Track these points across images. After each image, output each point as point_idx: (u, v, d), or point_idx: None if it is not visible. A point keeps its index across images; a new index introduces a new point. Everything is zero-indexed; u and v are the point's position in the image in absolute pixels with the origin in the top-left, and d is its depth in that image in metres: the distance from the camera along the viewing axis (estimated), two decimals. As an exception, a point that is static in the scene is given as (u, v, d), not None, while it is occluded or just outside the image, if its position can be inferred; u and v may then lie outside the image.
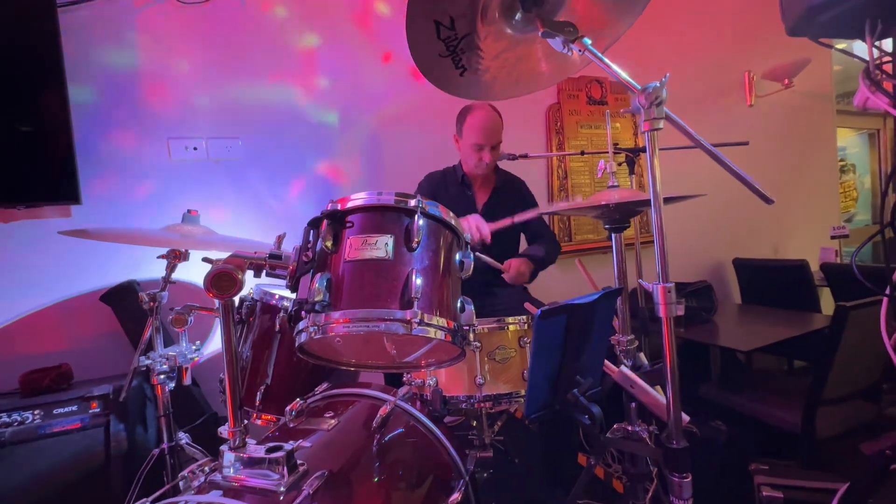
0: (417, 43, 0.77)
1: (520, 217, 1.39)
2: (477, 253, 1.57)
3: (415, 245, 0.73)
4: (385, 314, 0.68)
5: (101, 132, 1.73)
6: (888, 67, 0.97)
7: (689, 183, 2.89)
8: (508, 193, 1.90)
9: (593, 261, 2.64)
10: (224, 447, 0.75)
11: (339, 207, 0.77)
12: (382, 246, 0.72)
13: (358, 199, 0.79)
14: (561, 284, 2.18)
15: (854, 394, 1.78)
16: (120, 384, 1.40)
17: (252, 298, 1.37)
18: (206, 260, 1.21)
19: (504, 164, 1.94)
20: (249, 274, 0.79)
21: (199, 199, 1.86)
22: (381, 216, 0.77)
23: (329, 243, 0.75)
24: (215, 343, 1.87)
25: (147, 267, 1.75)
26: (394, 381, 1.59)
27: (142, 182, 1.80)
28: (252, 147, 1.97)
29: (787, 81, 3.08)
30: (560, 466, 1.76)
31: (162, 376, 1.31)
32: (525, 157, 1.87)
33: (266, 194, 2.00)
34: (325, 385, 1.21)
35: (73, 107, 1.60)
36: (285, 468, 0.72)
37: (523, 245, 1.99)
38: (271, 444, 0.74)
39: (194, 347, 1.41)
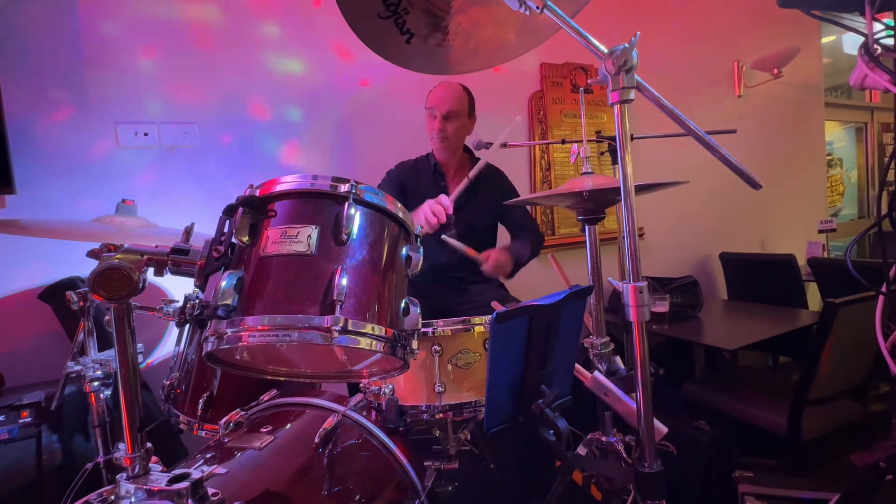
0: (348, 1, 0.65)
1: (474, 171, 1.31)
2: (449, 239, 1.44)
3: (344, 238, 0.62)
4: (300, 321, 0.57)
5: (38, 113, 1.58)
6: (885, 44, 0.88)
7: (674, 173, 2.81)
8: (487, 184, 1.79)
9: (577, 256, 2.53)
10: (121, 476, 0.64)
11: (257, 193, 0.65)
12: (304, 238, 0.61)
13: (284, 183, 0.67)
14: (544, 280, 2.08)
15: (840, 393, 1.72)
16: (54, 391, 1.28)
17: (196, 296, 1.25)
18: (90, 254, 1.07)
19: (482, 155, 1.83)
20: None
21: (151, 189, 1.72)
22: (307, 204, 0.65)
23: (245, 236, 0.63)
24: (169, 345, 1.74)
25: (94, 263, 1.62)
26: (356, 389, 1.49)
27: (86, 171, 1.65)
28: (210, 133, 1.83)
29: (776, 71, 3.00)
30: (537, 471, 1.67)
31: (95, 383, 1.19)
32: (504, 146, 1.77)
33: (226, 184, 1.86)
34: (273, 392, 1.10)
35: (3, 83, 1.45)
36: (190, 500, 0.61)
37: (502, 238, 1.88)
38: (177, 472, 0.63)
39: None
